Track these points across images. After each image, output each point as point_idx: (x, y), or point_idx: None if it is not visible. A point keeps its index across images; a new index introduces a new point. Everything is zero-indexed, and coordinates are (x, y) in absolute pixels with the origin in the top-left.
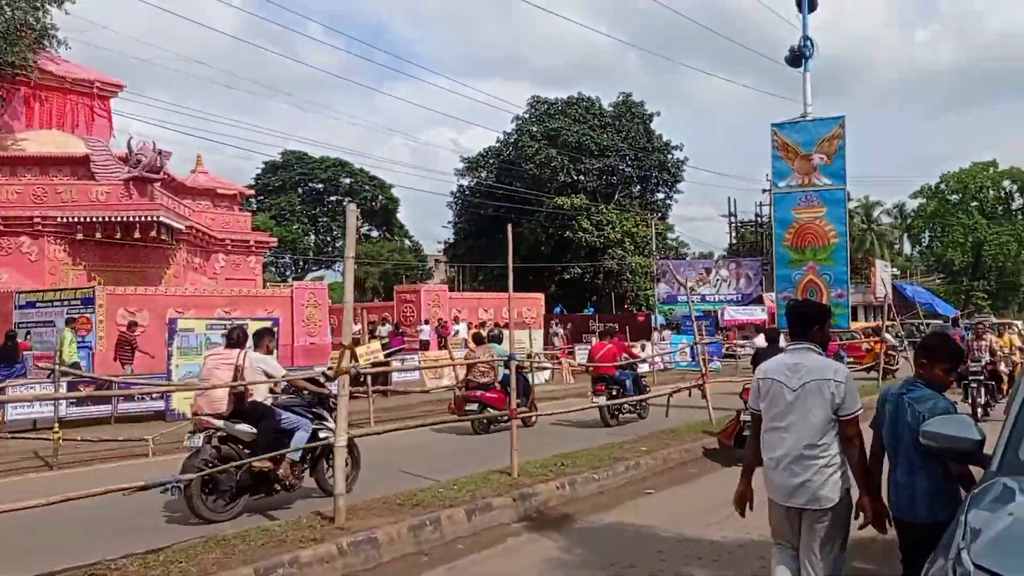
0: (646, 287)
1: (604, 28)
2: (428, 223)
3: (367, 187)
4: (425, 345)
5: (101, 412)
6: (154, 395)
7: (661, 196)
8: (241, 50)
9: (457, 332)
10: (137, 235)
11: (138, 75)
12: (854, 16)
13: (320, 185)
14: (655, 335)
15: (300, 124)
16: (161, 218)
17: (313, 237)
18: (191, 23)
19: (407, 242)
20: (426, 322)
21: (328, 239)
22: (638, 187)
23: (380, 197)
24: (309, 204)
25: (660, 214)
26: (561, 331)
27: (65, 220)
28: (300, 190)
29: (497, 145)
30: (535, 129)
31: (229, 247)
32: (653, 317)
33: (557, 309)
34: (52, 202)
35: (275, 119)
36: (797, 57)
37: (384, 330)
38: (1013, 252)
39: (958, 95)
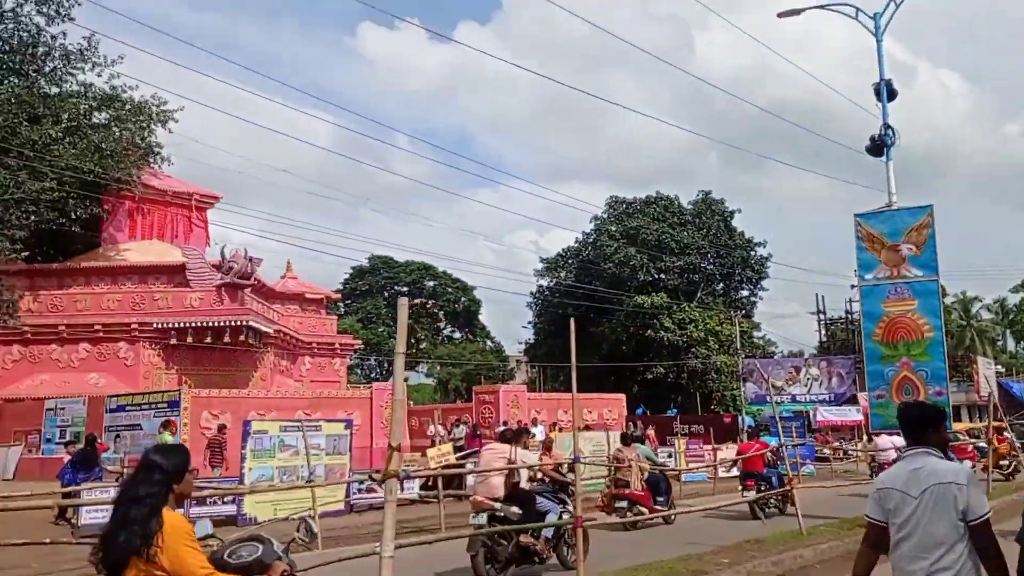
0: (732, 387)
1: (679, 131)
2: (510, 324)
3: (450, 289)
4: None
5: None
6: (226, 499)
7: (745, 293)
8: (334, 161)
9: (534, 435)
10: (227, 339)
11: (237, 186)
12: (937, 109)
13: (405, 288)
14: (741, 437)
15: (389, 231)
16: (250, 323)
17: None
18: (286, 137)
19: (489, 343)
20: (504, 423)
21: (412, 341)
22: (721, 285)
23: (463, 299)
24: (394, 307)
25: (745, 312)
26: (645, 431)
27: (160, 326)
28: (386, 293)
29: (576, 245)
30: (614, 228)
31: (315, 350)
32: (740, 418)
33: (639, 410)
34: (149, 309)
35: (365, 226)
36: (878, 146)
37: (459, 431)
38: None
39: None
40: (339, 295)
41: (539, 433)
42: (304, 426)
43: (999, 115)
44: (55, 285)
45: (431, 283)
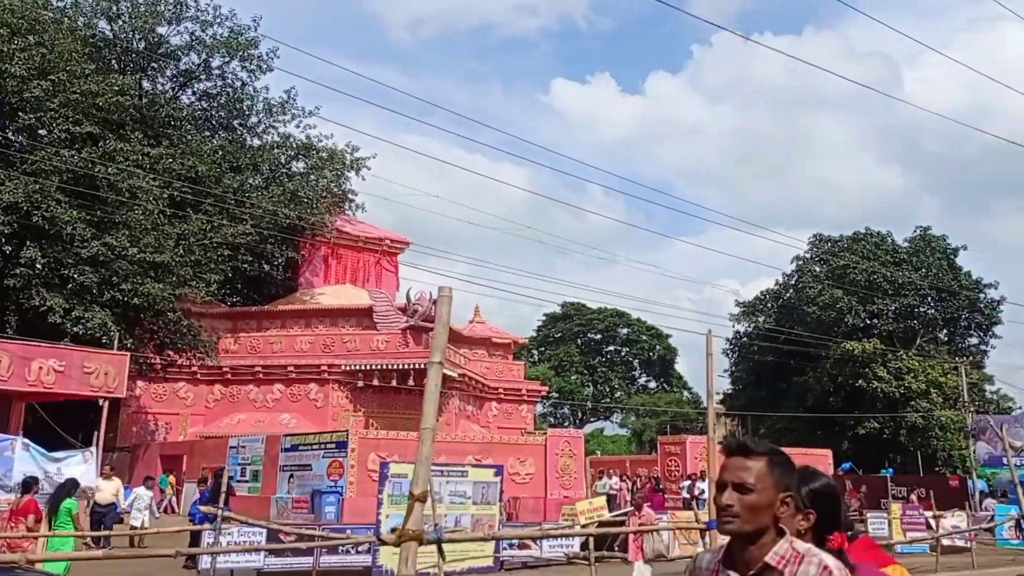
0: (960, 446)
1: (889, 174)
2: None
3: (644, 337)
4: (687, 504)
5: (301, 565)
6: (361, 549)
7: (974, 341)
8: (535, 207)
9: (702, 491)
10: (411, 382)
11: (440, 236)
12: None
13: (598, 336)
14: (972, 503)
15: (584, 277)
16: None
17: (591, 388)
18: (489, 182)
19: (686, 393)
20: (690, 477)
21: (606, 389)
22: (945, 331)
23: (657, 347)
24: (587, 354)
25: (974, 361)
26: (851, 490)
27: (348, 368)
28: (579, 341)
29: (776, 288)
30: (818, 269)
31: (502, 395)
32: (970, 482)
33: (846, 466)
34: (338, 351)
35: (562, 273)
36: None
37: (611, 482)
38: None
39: None
40: (526, 340)
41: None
42: (449, 471)
43: None
44: (254, 327)
45: (624, 330)
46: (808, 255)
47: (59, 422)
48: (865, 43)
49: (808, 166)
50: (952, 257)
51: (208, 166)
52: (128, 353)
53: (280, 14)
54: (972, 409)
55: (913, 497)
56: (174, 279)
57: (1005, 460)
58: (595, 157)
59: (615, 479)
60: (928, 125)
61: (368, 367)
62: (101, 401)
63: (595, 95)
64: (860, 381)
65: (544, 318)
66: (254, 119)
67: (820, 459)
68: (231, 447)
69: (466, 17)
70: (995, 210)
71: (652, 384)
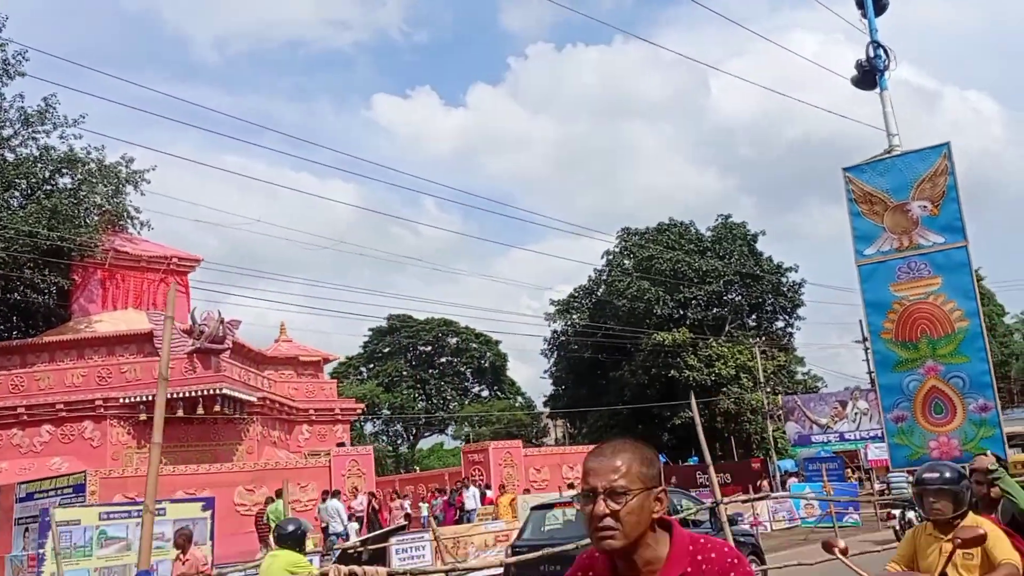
0: (772, 428)
1: (712, 176)
2: (541, 378)
3: (474, 345)
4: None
5: None
6: None
7: (781, 324)
8: (370, 224)
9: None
10: (200, 410)
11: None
12: (971, 134)
13: (428, 348)
14: (773, 483)
15: (425, 291)
16: (224, 390)
17: (423, 403)
18: (320, 202)
19: (520, 399)
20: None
21: (440, 402)
22: (752, 316)
23: (488, 354)
24: (418, 367)
25: (783, 345)
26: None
27: (127, 400)
28: (409, 354)
29: (588, 284)
30: (627, 262)
31: (313, 417)
32: (771, 464)
33: (661, 459)
34: (116, 382)
35: (401, 288)
36: (868, 73)
37: (407, 503)
38: None
39: None
40: (339, 356)
41: (472, 498)
42: (138, 511)
43: None
44: (17, 364)
45: (453, 339)
46: (617, 249)
47: None
48: (671, 52)
49: (629, 172)
50: (752, 243)
51: None
52: None
53: (77, 35)
54: (780, 391)
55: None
56: None
57: (815, 437)
58: (427, 171)
59: (361, 497)
60: (738, 129)
61: (150, 398)
62: None
63: (418, 109)
64: (672, 371)
65: (370, 333)
66: (8, 131)
67: None
68: None
69: (274, 33)
70: (802, 204)
71: (485, 392)
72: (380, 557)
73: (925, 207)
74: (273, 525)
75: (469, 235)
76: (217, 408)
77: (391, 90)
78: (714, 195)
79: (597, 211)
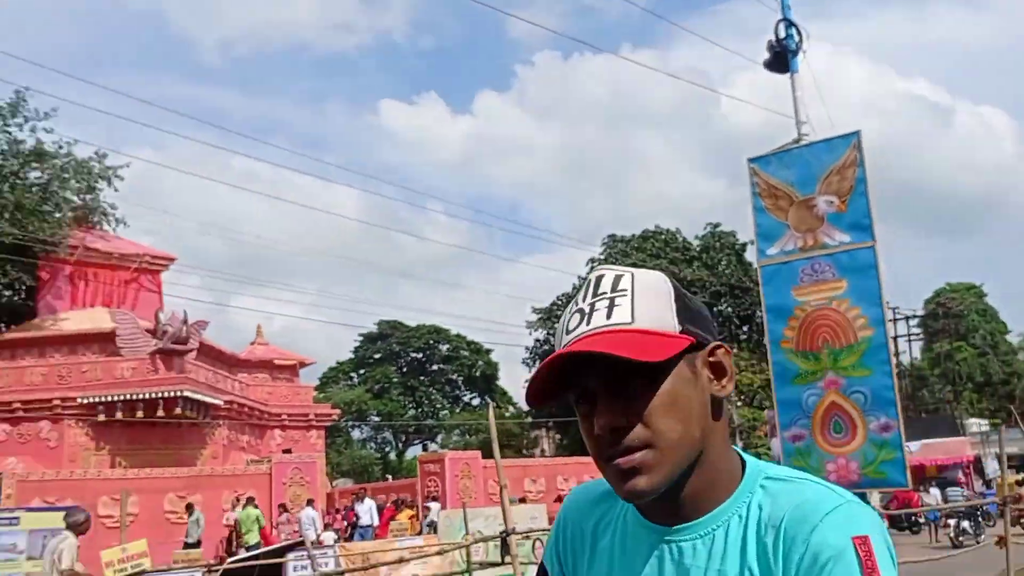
0: (764, 444)
1: (721, 186)
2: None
3: (464, 352)
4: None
5: None
6: None
7: None
8: (377, 230)
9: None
10: (161, 413)
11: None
12: (984, 149)
13: (419, 355)
14: None
15: (430, 300)
16: (186, 393)
17: (413, 411)
18: (325, 206)
19: (512, 408)
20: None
21: (430, 410)
22: (745, 328)
23: (479, 362)
24: (408, 374)
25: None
26: None
27: (86, 401)
28: (400, 361)
29: (571, 291)
30: None
31: (286, 422)
32: None
33: None
34: (76, 382)
35: (407, 297)
36: (778, 55)
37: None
38: None
39: None
40: (314, 360)
41: (368, 513)
42: None
43: None
44: None
45: (444, 347)
46: (602, 256)
47: None
48: (680, 60)
49: (639, 180)
50: (741, 253)
51: None
52: None
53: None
54: (768, 405)
55: None
56: None
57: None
58: (433, 176)
59: (239, 509)
60: (746, 138)
61: (110, 399)
62: None
63: (424, 115)
64: None
65: (360, 338)
66: None
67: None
68: None
69: (276, 36)
70: None
71: (476, 401)
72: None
73: (832, 202)
74: (244, 531)
75: (461, 247)
76: (178, 411)
77: (397, 95)
78: (725, 203)
79: (607, 219)
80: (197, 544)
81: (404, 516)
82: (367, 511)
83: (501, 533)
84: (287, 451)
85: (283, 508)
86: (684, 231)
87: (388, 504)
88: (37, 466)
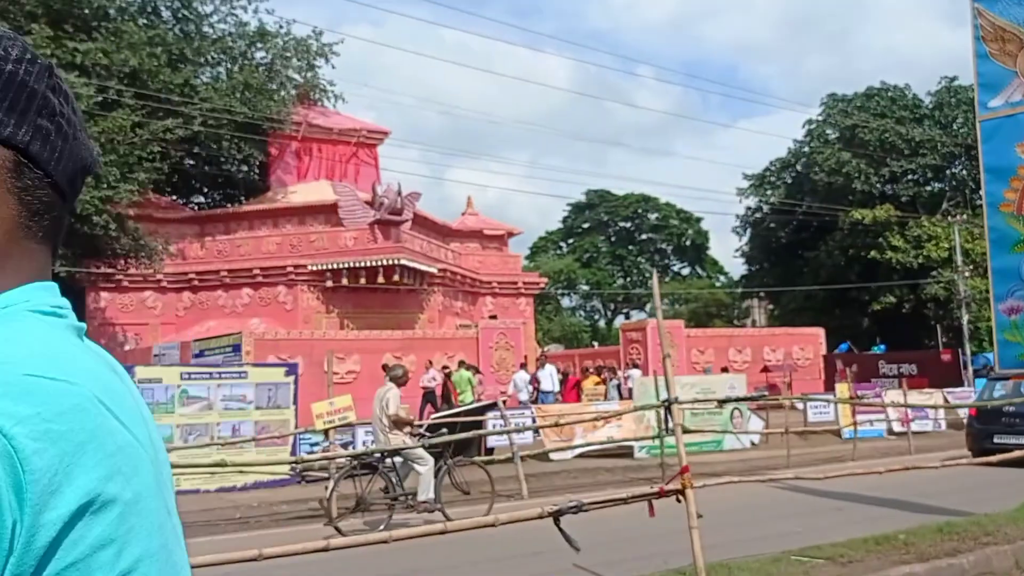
0: (987, 317)
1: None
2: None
3: (674, 221)
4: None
5: None
6: None
7: None
8: (586, 97)
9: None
10: (380, 279)
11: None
12: None
13: (628, 224)
14: (966, 377)
15: (640, 168)
16: (402, 261)
17: (621, 280)
18: (536, 75)
19: (723, 279)
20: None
21: (638, 279)
22: (980, 192)
23: (689, 231)
24: (617, 244)
25: None
26: (842, 370)
27: (315, 268)
28: (609, 230)
29: (786, 156)
30: (831, 133)
31: (496, 289)
32: (964, 354)
33: (843, 347)
34: (305, 251)
35: (615, 165)
36: None
37: (429, 375)
38: None
39: None
40: (521, 230)
41: (549, 378)
42: (221, 372)
43: None
44: (222, 231)
45: (653, 216)
46: (820, 117)
47: None
48: None
49: (866, 33)
50: None
51: (142, 60)
52: None
53: None
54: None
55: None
56: (91, 180)
57: None
58: (645, 41)
59: (432, 371)
60: None
61: (335, 266)
62: None
63: None
64: (874, 252)
65: (568, 208)
66: (208, 7)
67: (808, 339)
68: (154, 355)
69: None
70: None
71: (686, 271)
72: (471, 433)
73: None
74: (459, 391)
75: (670, 113)
76: (396, 278)
77: None
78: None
79: (826, 78)
80: None
81: (590, 382)
82: (547, 377)
83: (663, 402)
84: (493, 317)
85: (475, 370)
86: (915, 88)
87: (573, 373)
88: (277, 326)
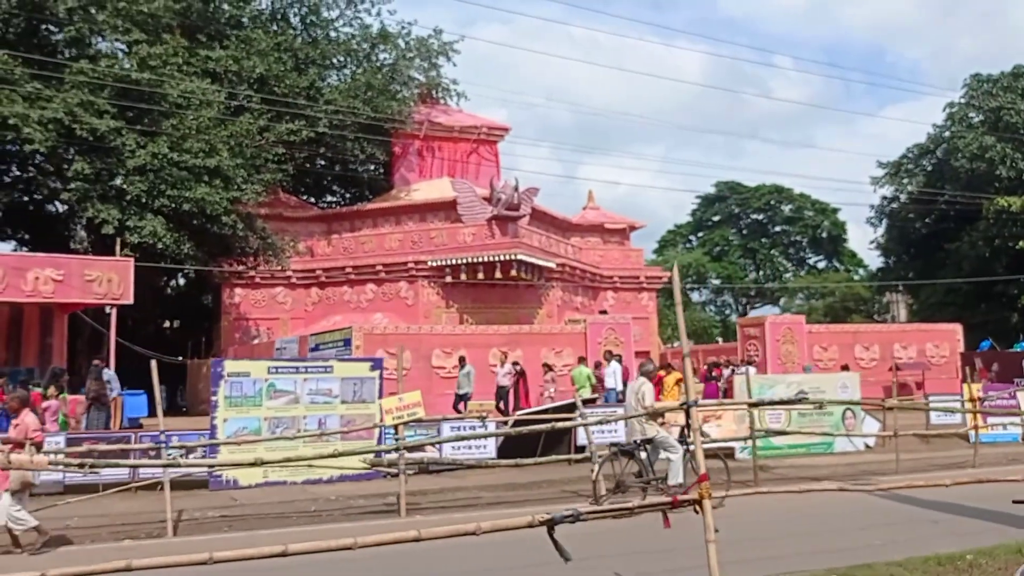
0: None
1: None
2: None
3: (809, 213)
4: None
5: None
6: (193, 456)
7: None
8: (721, 88)
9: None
10: (498, 275)
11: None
12: None
13: (760, 216)
14: None
15: (779, 160)
16: (519, 256)
17: (754, 273)
18: (668, 67)
19: (861, 271)
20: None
21: (772, 273)
22: None
23: (825, 223)
24: (749, 236)
25: None
26: (981, 369)
27: (435, 264)
28: (741, 223)
29: (925, 142)
30: (975, 116)
31: (618, 284)
32: None
33: (985, 344)
34: (425, 247)
35: (752, 157)
36: None
37: (504, 370)
38: None
39: None
40: (644, 224)
41: (612, 376)
42: (307, 367)
43: None
44: (347, 228)
45: (787, 207)
46: (963, 100)
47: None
48: None
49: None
50: None
51: (269, 66)
52: (131, 259)
53: None
54: None
55: None
56: (220, 182)
57: None
58: (781, 27)
59: (507, 365)
60: None
61: (454, 262)
62: (108, 309)
63: None
64: (1022, 243)
65: (698, 200)
66: (334, 12)
67: (943, 336)
68: (276, 348)
69: None
70: None
71: (822, 264)
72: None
73: None
74: (578, 387)
75: (804, 103)
76: (513, 273)
77: None
78: None
79: (976, 61)
80: (467, 397)
81: (671, 380)
82: (611, 374)
83: (682, 404)
84: (603, 312)
85: (548, 367)
86: None
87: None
88: (399, 321)
